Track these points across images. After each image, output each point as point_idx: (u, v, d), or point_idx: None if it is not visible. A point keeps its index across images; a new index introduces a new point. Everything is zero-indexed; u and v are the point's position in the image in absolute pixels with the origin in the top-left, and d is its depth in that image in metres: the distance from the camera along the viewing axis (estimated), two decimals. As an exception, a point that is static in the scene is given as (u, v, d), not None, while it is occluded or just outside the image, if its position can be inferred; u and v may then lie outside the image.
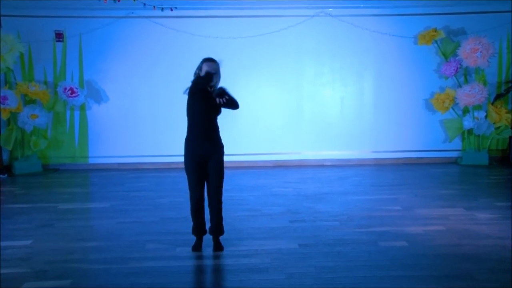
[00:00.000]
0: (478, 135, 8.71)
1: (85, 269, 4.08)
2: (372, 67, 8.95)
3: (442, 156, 9.03)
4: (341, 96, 9.00)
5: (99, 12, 8.52)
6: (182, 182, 4.80)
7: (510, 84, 8.63)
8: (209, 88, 4.30)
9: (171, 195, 6.65)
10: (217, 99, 4.08)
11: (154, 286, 3.74)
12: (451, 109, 8.73)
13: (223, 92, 4.09)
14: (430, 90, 8.86)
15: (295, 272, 3.95)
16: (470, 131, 8.75)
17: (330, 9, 8.73)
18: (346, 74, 8.95)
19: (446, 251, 4.37)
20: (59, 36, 8.65)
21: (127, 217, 5.62)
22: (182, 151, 4.41)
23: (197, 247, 4.46)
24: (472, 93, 8.32)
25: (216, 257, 4.35)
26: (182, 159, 4.43)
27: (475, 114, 8.57)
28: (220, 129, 4.46)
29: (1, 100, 7.90)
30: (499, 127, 8.62)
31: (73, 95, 8.40)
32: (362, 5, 8.69)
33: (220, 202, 4.44)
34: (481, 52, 8.22)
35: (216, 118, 4.42)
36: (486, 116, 8.56)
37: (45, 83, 8.56)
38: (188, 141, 4.38)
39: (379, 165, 8.83)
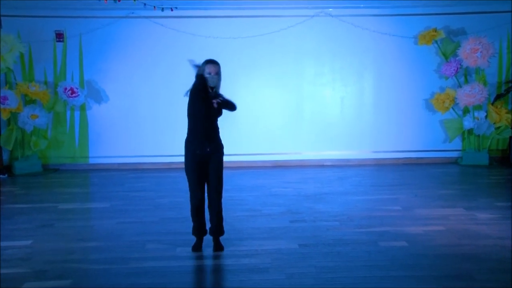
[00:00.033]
0: (478, 135, 8.72)
1: (85, 269, 4.08)
2: (372, 67, 8.95)
3: (442, 156, 9.03)
4: (341, 96, 9.01)
5: (99, 12, 8.52)
6: (182, 182, 4.80)
7: (510, 84, 8.63)
8: (210, 90, 4.31)
9: (171, 195, 6.65)
10: (213, 102, 4.12)
11: (154, 286, 3.74)
12: (451, 109, 8.73)
13: (215, 96, 4.17)
14: (430, 90, 8.86)
15: (295, 272, 3.95)
16: (470, 131, 8.75)
17: (330, 9, 8.74)
18: (346, 74, 8.95)
19: (446, 251, 4.37)
20: (59, 36, 8.65)
21: (127, 217, 5.62)
22: (182, 151, 4.42)
23: (197, 247, 4.46)
24: (472, 93, 8.32)
25: (216, 257, 4.35)
26: (182, 159, 4.44)
27: (475, 114, 8.57)
28: (220, 129, 4.48)
29: (1, 100, 7.90)
30: (499, 127, 8.62)
31: (73, 95, 8.40)
32: (362, 5, 8.69)
33: (220, 202, 4.44)
34: (481, 52, 8.22)
35: (217, 120, 4.42)
36: (486, 116, 8.56)
37: (45, 83, 8.56)
38: (188, 142, 4.39)
39: (379, 165, 8.83)
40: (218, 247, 4.47)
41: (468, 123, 8.58)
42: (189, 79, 4.35)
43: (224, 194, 4.51)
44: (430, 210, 5.72)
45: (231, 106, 4.41)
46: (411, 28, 8.74)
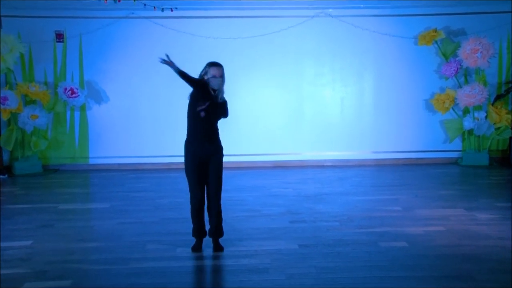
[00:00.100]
0: (479, 136, 8.71)
1: (86, 270, 4.08)
2: (372, 68, 8.95)
3: (442, 157, 9.03)
4: (341, 97, 9.00)
5: (99, 12, 8.52)
6: (182, 182, 4.81)
7: (510, 85, 8.63)
8: (212, 92, 4.30)
9: (171, 196, 6.65)
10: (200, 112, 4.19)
11: (155, 287, 3.74)
12: (451, 110, 8.73)
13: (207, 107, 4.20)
14: (430, 91, 8.85)
15: (295, 272, 3.95)
16: (470, 132, 8.75)
17: (330, 10, 8.74)
18: (346, 75, 8.95)
19: (446, 252, 4.37)
20: (59, 37, 8.65)
21: (128, 217, 5.62)
22: (182, 151, 4.42)
23: (197, 248, 4.46)
24: (472, 94, 8.32)
25: (216, 258, 4.35)
26: (182, 159, 4.44)
27: (475, 114, 8.57)
28: (220, 130, 4.48)
29: (2, 100, 7.91)
30: (499, 128, 8.62)
31: (73, 95, 8.40)
32: (362, 6, 8.69)
33: (219, 203, 4.45)
34: (481, 52, 8.22)
35: (217, 122, 4.41)
36: (486, 117, 8.56)
37: (46, 83, 8.56)
38: (188, 143, 4.39)
39: (379, 166, 8.82)
40: (217, 248, 4.47)
41: (468, 123, 8.58)
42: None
43: (224, 195, 4.51)
44: (430, 211, 5.72)
45: (222, 114, 4.36)
46: (411, 28, 8.74)
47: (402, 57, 8.87)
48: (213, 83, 4.29)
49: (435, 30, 8.48)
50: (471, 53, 8.26)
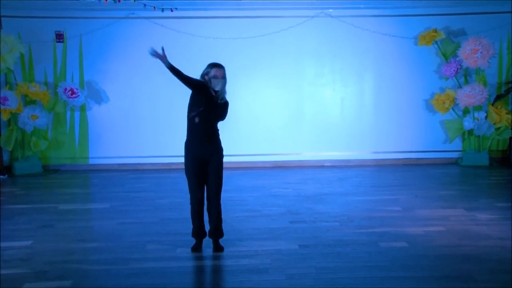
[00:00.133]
0: (479, 136, 8.71)
1: (86, 270, 4.08)
2: (372, 68, 8.95)
3: (443, 157, 9.03)
4: (341, 97, 9.00)
5: (99, 13, 8.52)
6: (182, 183, 4.80)
7: (510, 85, 8.63)
8: (213, 93, 4.30)
9: (171, 196, 6.65)
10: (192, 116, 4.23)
11: (155, 287, 3.74)
12: (451, 110, 8.73)
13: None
14: (430, 91, 8.85)
15: (295, 273, 3.95)
16: (470, 132, 8.75)
17: (330, 10, 8.74)
18: (346, 75, 8.95)
19: (446, 252, 4.37)
20: (59, 37, 8.65)
21: (128, 217, 5.62)
22: (182, 152, 4.42)
23: (197, 248, 4.46)
24: (472, 94, 8.32)
25: (216, 258, 4.35)
26: (182, 160, 4.44)
27: (476, 114, 8.57)
28: (220, 130, 4.47)
29: (2, 100, 7.91)
30: (499, 128, 8.62)
31: (74, 95, 8.40)
32: (362, 6, 8.69)
33: (219, 204, 4.45)
34: (481, 52, 8.22)
35: (217, 123, 4.41)
36: (486, 117, 8.56)
37: (46, 83, 8.56)
38: (188, 143, 4.39)
39: (379, 166, 8.82)
40: (217, 248, 4.46)
41: (468, 123, 8.58)
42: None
43: (224, 195, 4.51)
44: (430, 211, 5.72)
45: (222, 115, 4.37)
46: (411, 28, 8.74)
47: (402, 58, 8.87)
48: (215, 84, 4.29)
49: (435, 30, 8.48)
50: (471, 53, 8.26)
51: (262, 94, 8.91)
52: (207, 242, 4.50)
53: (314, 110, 9.01)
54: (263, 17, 8.70)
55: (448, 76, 8.62)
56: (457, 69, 8.51)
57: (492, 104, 8.63)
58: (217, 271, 4.21)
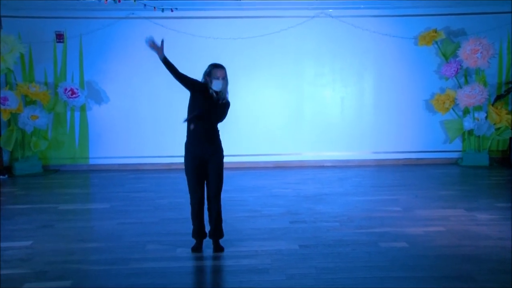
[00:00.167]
0: (479, 136, 8.71)
1: (86, 270, 4.08)
2: (372, 68, 8.95)
3: (443, 157, 9.03)
4: (341, 97, 9.00)
5: (99, 13, 8.52)
6: (182, 183, 4.80)
7: (510, 85, 8.63)
8: (214, 94, 4.30)
9: (171, 196, 6.65)
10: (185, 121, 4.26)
11: (155, 287, 3.74)
12: (451, 110, 8.73)
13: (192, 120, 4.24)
14: (430, 91, 8.85)
15: (295, 273, 3.95)
16: (470, 132, 8.75)
17: (330, 10, 8.74)
18: (346, 75, 8.95)
19: (446, 252, 4.37)
20: (59, 37, 8.65)
21: (128, 218, 5.62)
22: (182, 152, 4.42)
23: (197, 248, 4.46)
24: (472, 94, 8.32)
25: (216, 258, 4.35)
26: (182, 160, 4.44)
27: (476, 115, 8.57)
28: (220, 130, 4.47)
29: (2, 101, 7.91)
30: (499, 128, 8.62)
31: (74, 96, 8.40)
32: (362, 6, 8.69)
33: (219, 205, 4.44)
34: (481, 53, 8.21)
35: (217, 123, 4.41)
36: (486, 117, 8.56)
37: (46, 84, 8.56)
38: (188, 144, 4.38)
39: (379, 166, 8.83)
40: (218, 248, 4.46)
41: (468, 124, 8.58)
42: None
43: (224, 195, 4.51)
44: (430, 211, 5.72)
45: (221, 115, 4.36)
46: (411, 29, 8.74)
47: (402, 58, 8.87)
48: (215, 85, 4.29)
49: (435, 31, 8.48)
50: (471, 53, 8.26)
51: (262, 94, 8.91)
52: (207, 242, 4.50)
53: (314, 110, 9.02)
54: (263, 17, 8.70)
55: (448, 76, 8.62)
56: (457, 69, 8.51)
57: (492, 104, 8.63)
58: (217, 271, 4.21)
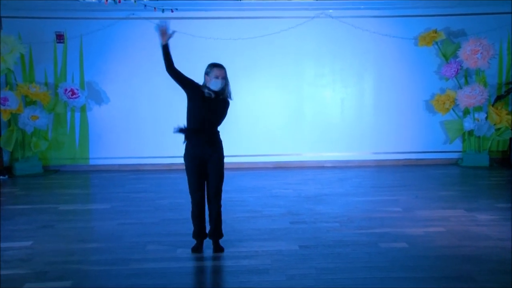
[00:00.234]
0: (479, 137, 8.71)
1: (86, 270, 4.08)
2: (372, 69, 8.95)
3: (443, 158, 9.03)
4: (342, 97, 9.01)
5: (99, 13, 8.53)
6: (183, 183, 4.81)
7: (510, 86, 8.63)
8: (211, 94, 4.29)
9: (171, 197, 6.65)
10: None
11: (155, 287, 3.74)
12: (451, 111, 8.73)
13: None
14: (430, 92, 8.86)
15: (295, 273, 3.95)
16: (470, 133, 8.75)
17: (331, 11, 8.74)
18: (346, 75, 8.95)
19: (446, 253, 4.37)
20: (59, 37, 8.66)
21: (128, 218, 5.62)
22: (182, 152, 4.41)
23: (197, 249, 4.46)
24: (472, 95, 8.32)
25: (216, 259, 4.35)
26: (182, 160, 4.43)
27: (476, 115, 8.57)
28: (220, 130, 4.46)
29: (2, 101, 7.91)
30: (499, 129, 8.62)
31: (74, 96, 8.40)
32: (362, 7, 8.70)
33: (219, 205, 4.44)
34: (481, 53, 8.22)
35: (217, 124, 4.39)
36: (486, 118, 8.56)
37: (46, 84, 8.57)
38: (188, 144, 4.37)
39: (380, 167, 8.83)
40: (218, 248, 4.46)
41: (468, 124, 8.58)
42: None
43: (224, 195, 4.51)
44: (430, 212, 5.72)
45: (221, 114, 4.37)
46: (412, 29, 8.74)
47: (402, 58, 8.87)
48: (214, 84, 4.28)
49: (435, 31, 8.49)
50: (471, 54, 8.26)
51: (262, 95, 8.91)
52: (208, 242, 4.51)
53: (314, 110, 9.02)
54: (264, 17, 8.70)
55: (448, 77, 8.62)
56: (457, 70, 8.51)
57: (492, 105, 8.63)
58: (217, 271, 4.21)
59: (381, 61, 8.89)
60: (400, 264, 4.11)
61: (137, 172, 8.63)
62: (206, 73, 4.32)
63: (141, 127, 8.86)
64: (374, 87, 8.99)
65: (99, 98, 8.82)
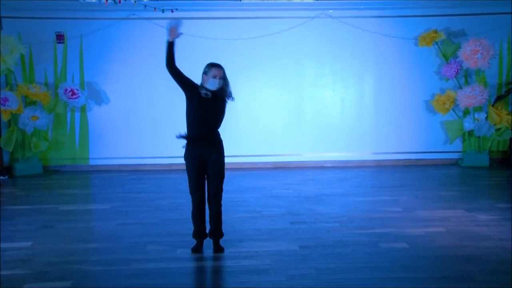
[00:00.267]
0: (479, 137, 8.71)
1: (86, 271, 4.08)
2: (372, 69, 8.95)
3: (443, 158, 9.03)
4: (342, 98, 9.01)
5: (99, 13, 8.53)
6: (183, 183, 4.81)
7: (510, 86, 8.63)
8: (208, 94, 4.29)
9: (171, 197, 6.65)
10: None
11: (155, 287, 3.75)
12: (451, 111, 8.73)
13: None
14: (430, 92, 8.86)
15: (295, 273, 3.95)
16: (470, 133, 8.75)
17: (331, 11, 8.74)
18: (346, 76, 8.95)
19: (446, 253, 4.37)
20: (60, 38, 8.66)
21: (128, 218, 5.62)
22: (182, 152, 4.41)
23: (197, 249, 4.46)
24: (472, 95, 8.32)
25: (217, 259, 4.35)
26: (182, 160, 4.43)
27: (476, 115, 8.57)
28: (220, 131, 4.46)
29: (2, 101, 7.91)
30: (499, 129, 8.61)
31: (74, 96, 8.40)
32: (362, 7, 8.70)
33: (219, 205, 4.44)
34: (481, 53, 8.22)
35: (216, 125, 4.39)
36: (486, 118, 8.56)
37: (46, 84, 8.57)
38: (188, 144, 4.37)
39: (380, 167, 8.83)
40: (218, 249, 4.47)
41: (468, 124, 8.58)
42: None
43: (224, 195, 4.51)
44: (430, 212, 5.72)
45: (219, 113, 4.38)
46: (412, 29, 8.74)
47: (402, 58, 8.87)
48: (212, 84, 4.28)
49: (436, 31, 8.48)
50: (472, 54, 8.26)
51: (262, 95, 8.91)
52: (208, 242, 4.51)
53: (314, 110, 9.02)
54: (264, 18, 8.71)
55: (448, 77, 8.62)
56: (458, 70, 8.51)
57: (493, 105, 8.63)
58: (217, 272, 4.21)
59: (381, 61, 8.89)
60: (400, 264, 4.11)
61: (137, 172, 8.63)
62: (204, 73, 4.33)
63: (141, 127, 8.86)
64: (374, 87, 8.99)
65: (99, 98, 8.82)
